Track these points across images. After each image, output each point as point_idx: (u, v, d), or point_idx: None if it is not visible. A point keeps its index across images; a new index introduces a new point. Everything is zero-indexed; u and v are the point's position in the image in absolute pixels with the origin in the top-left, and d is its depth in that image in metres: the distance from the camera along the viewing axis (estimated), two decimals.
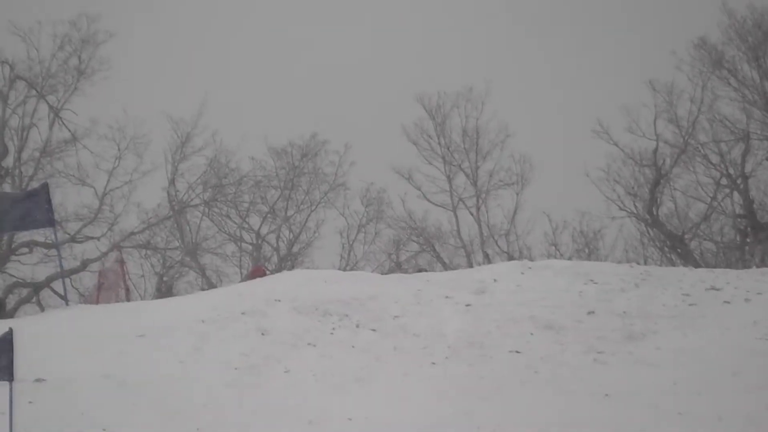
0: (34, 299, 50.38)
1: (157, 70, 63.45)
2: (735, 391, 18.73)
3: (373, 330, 22.75)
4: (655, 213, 52.23)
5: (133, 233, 53.65)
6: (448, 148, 56.33)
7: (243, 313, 23.65)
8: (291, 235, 56.70)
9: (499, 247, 55.19)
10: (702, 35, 52.55)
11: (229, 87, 68.84)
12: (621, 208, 52.99)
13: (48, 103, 52.98)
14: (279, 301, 24.40)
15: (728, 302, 23.68)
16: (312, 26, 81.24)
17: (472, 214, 55.83)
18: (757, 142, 51.66)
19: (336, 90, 70.84)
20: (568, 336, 22.14)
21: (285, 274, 32.20)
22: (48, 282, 50.50)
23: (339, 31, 78.86)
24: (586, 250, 53.71)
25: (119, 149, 53.51)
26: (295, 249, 56.40)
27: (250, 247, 56.26)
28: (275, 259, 55.85)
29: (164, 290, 51.75)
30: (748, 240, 51.37)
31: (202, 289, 48.46)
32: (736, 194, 51.84)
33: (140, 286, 52.50)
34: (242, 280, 39.95)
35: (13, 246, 50.88)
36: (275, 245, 56.59)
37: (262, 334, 22.53)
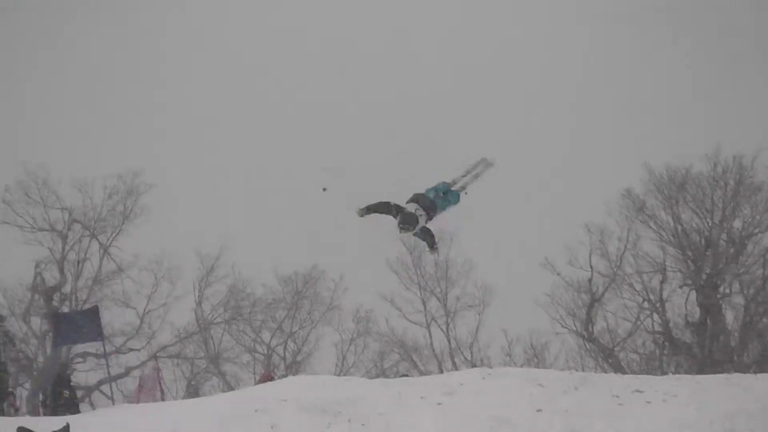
0: (86, 399, 50.17)
1: (187, 208, 62.71)
2: None
3: (363, 425, 22.55)
4: (590, 330, 52.28)
5: (167, 346, 54.11)
6: (423, 277, 56.63)
7: (256, 411, 23.45)
8: (295, 347, 56.65)
9: (464, 357, 55.20)
10: (627, 187, 53.24)
11: (248, 217, 67.53)
12: (563, 326, 52.99)
13: (99, 242, 53.97)
14: (285, 401, 24.19)
15: (649, 402, 23.53)
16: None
17: (442, 330, 55.96)
18: (671, 274, 52.14)
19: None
20: (521, 430, 22.04)
21: (290, 379, 31.74)
22: (98, 385, 50.75)
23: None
24: (535, 360, 53.62)
25: (156, 278, 54.41)
26: (298, 358, 56.27)
27: (262, 357, 56.16)
28: (282, 366, 55.67)
29: (192, 392, 51.60)
30: (665, 352, 51.60)
31: (223, 392, 48.19)
32: (655, 315, 52.02)
33: (173, 388, 52.16)
34: (255, 384, 39.72)
35: (70, 356, 51.04)
36: (282, 355, 56.53)
37: (272, 427, 22.37)
